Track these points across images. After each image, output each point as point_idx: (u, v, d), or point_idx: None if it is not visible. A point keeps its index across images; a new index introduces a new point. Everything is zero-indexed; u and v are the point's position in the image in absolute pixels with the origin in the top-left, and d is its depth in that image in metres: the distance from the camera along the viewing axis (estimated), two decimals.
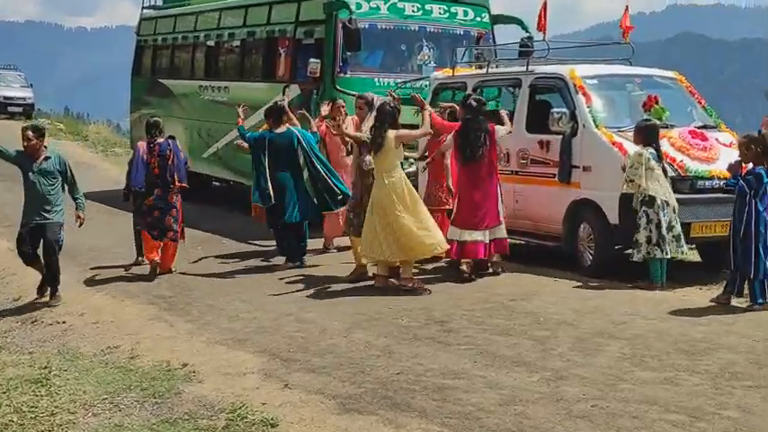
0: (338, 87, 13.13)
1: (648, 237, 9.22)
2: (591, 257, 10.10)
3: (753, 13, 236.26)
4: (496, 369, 6.68)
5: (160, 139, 11.01)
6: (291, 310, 8.81)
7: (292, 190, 10.76)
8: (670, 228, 9.24)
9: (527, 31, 14.17)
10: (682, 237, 9.31)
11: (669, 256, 9.37)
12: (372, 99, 10.53)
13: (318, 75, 13.20)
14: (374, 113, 9.76)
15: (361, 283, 9.69)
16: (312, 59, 13.21)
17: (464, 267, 9.88)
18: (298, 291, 9.67)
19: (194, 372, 7.04)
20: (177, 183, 10.90)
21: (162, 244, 10.93)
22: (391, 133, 9.49)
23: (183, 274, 10.94)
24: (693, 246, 10.58)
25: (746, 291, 8.47)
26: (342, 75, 13.26)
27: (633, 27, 12.03)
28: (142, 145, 11.11)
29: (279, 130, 10.91)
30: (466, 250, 9.81)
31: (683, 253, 9.45)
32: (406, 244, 9.39)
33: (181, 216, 11.01)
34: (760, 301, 8.35)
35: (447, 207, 10.49)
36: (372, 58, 14.07)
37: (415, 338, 7.59)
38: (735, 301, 8.50)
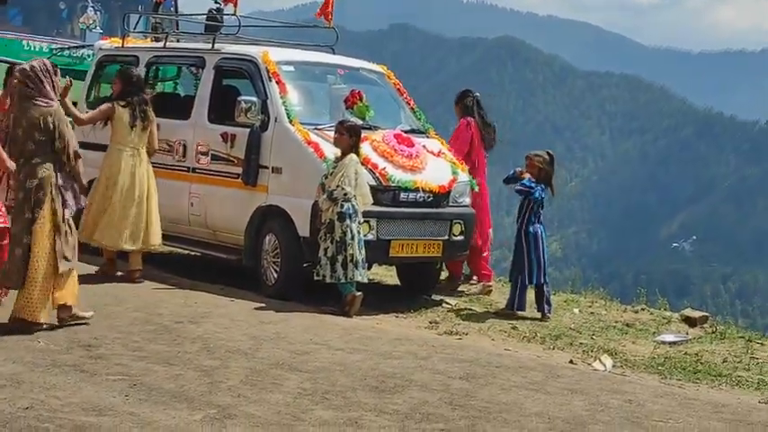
0: None
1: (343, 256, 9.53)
2: (276, 275, 10.26)
3: (475, 9, 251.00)
4: (152, 405, 6.59)
5: None
6: None
7: None
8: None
9: (217, 2, 14.18)
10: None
11: (365, 280, 9.75)
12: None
13: None
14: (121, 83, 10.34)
15: None
16: None
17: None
18: None
19: None
20: None
21: None
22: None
23: None
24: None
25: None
26: None
27: (330, 9, 12.27)
28: None
29: None
30: None
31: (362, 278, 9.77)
32: (155, 230, 10.44)
33: None
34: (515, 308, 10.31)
35: None
36: (21, 15, 13.56)
37: (53, 365, 7.34)
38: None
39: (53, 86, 8.34)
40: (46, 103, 8.25)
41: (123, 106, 10.29)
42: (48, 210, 8.25)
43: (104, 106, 10.42)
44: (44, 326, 8.28)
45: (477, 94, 11.71)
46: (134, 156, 10.33)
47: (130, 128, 10.25)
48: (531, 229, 10.36)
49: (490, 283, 11.47)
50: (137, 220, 10.31)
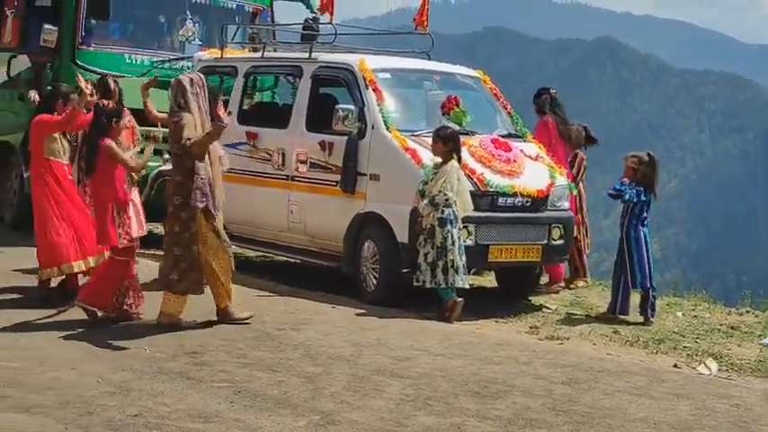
0: (79, 62, 12.79)
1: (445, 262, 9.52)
2: (375, 281, 10.29)
3: (571, 11, 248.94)
4: (256, 411, 6.68)
5: None
6: (5, 334, 8.47)
7: None
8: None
9: (312, 12, 14.30)
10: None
11: (467, 286, 9.72)
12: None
13: (55, 45, 12.80)
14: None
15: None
16: (47, 26, 12.80)
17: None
18: (15, 312, 9.30)
19: None
20: None
21: None
22: None
23: None
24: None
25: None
26: (84, 47, 12.93)
27: (425, 17, 12.36)
28: None
29: None
30: None
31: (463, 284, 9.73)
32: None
33: None
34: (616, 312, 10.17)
35: None
36: (124, 29, 13.81)
37: (159, 372, 7.48)
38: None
39: (203, 100, 8.82)
40: (178, 116, 8.69)
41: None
42: (201, 220, 8.72)
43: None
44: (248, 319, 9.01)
45: (554, 91, 11.63)
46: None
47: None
48: (632, 231, 10.22)
49: (561, 283, 11.51)
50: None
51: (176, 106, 8.77)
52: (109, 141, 8.85)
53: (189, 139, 8.59)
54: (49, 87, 10.96)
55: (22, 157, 9.98)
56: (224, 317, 9.00)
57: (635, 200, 10.15)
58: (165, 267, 8.89)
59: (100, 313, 8.96)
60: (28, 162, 9.67)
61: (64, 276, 9.76)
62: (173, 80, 9.06)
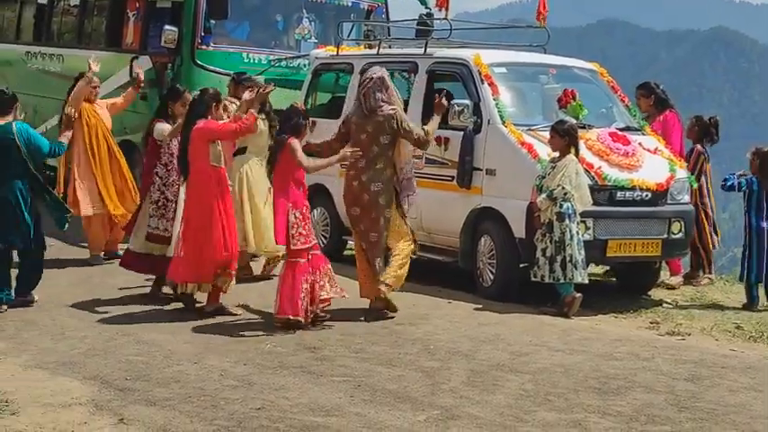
0: (198, 62, 13.00)
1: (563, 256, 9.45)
2: (492, 276, 10.27)
3: (684, 1, 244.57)
4: (376, 406, 6.72)
5: None
6: (131, 329, 8.67)
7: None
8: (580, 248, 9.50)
9: (427, 7, 14.31)
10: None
11: (586, 281, 9.63)
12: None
13: (175, 46, 13.04)
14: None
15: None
16: (168, 27, 13.03)
17: None
18: (139, 306, 9.52)
19: (7, 401, 6.85)
20: None
21: None
22: None
23: None
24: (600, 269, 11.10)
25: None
26: (203, 47, 13.14)
27: (546, 11, 12.35)
28: None
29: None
30: None
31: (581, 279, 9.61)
32: None
33: None
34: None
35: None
36: (241, 28, 14.00)
37: (281, 367, 7.57)
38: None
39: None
40: (393, 108, 9.05)
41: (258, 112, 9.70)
42: (393, 210, 9.22)
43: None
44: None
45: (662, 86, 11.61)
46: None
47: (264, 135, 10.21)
48: (751, 223, 10.23)
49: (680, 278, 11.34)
50: None
51: (381, 101, 9.09)
52: (294, 141, 8.82)
53: (426, 130, 9.31)
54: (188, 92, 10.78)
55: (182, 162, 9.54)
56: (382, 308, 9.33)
57: (740, 187, 10.22)
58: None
59: (299, 318, 8.70)
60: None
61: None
62: (375, 76, 9.20)
